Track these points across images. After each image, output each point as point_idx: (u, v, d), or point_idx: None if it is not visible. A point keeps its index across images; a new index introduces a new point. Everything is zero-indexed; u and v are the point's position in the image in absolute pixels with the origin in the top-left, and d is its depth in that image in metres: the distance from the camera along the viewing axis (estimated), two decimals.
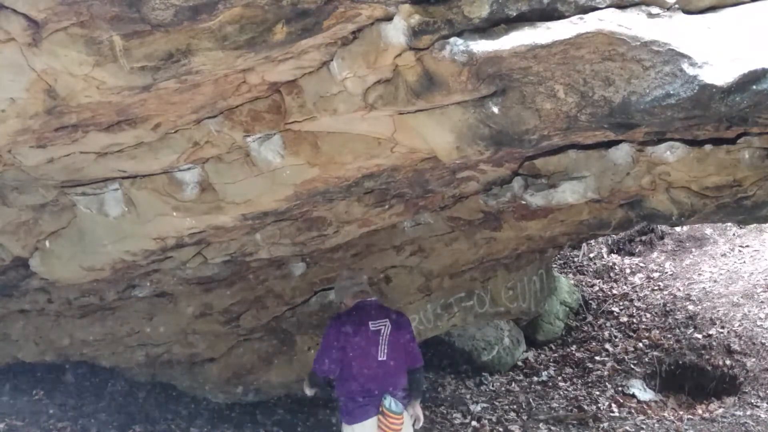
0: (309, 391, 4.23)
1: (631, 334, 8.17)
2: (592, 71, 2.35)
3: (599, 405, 6.88)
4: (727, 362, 7.11)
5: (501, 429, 6.29)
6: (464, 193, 4.22)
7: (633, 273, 9.39)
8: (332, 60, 2.61)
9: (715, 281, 8.57)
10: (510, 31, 2.29)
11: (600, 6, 2.26)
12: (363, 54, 2.47)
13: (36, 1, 2.01)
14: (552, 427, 6.30)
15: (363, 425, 3.90)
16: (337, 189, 3.52)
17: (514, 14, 2.26)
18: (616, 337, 8.22)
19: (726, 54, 2.22)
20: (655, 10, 2.29)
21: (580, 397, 7.05)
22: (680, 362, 7.39)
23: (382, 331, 4.03)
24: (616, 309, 8.70)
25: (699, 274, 8.86)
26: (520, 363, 8.06)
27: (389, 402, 3.88)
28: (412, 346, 4.17)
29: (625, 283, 9.21)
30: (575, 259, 10.01)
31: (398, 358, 4.05)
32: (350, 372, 3.94)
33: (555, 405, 6.90)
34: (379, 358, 3.96)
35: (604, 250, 10.07)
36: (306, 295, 5.53)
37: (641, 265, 9.56)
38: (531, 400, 7.06)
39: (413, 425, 4.12)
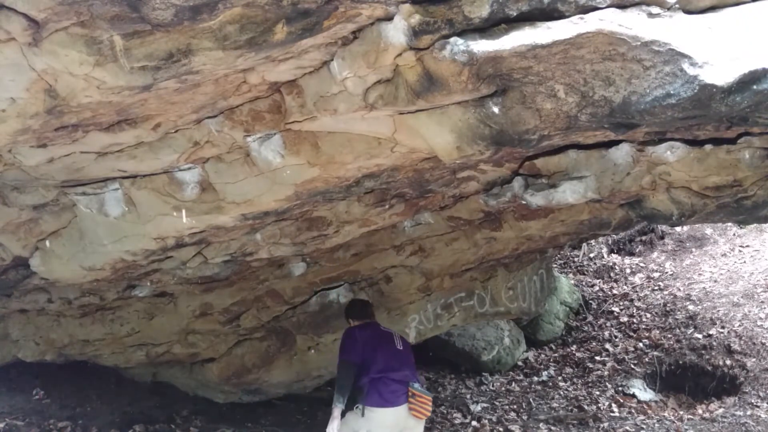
0: (340, 400, 4.16)
1: (631, 334, 8.18)
2: (593, 71, 2.35)
3: (599, 405, 6.88)
4: (727, 362, 7.11)
5: (501, 429, 6.29)
6: (464, 193, 4.22)
7: (633, 273, 9.40)
8: (332, 60, 2.61)
9: (715, 281, 8.57)
10: (510, 31, 2.29)
11: (600, 6, 2.26)
12: (363, 54, 2.47)
13: (36, 1, 2.00)
14: (552, 427, 6.30)
15: (396, 410, 4.14)
16: (337, 189, 3.52)
17: (515, 14, 2.26)
18: (616, 337, 8.22)
19: (726, 54, 2.22)
20: (655, 9, 2.29)
21: (580, 397, 7.05)
22: (680, 362, 7.39)
23: (393, 333, 4.53)
24: (616, 309, 8.70)
25: (699, 274, 8.86)
26: (520, 363, 8.07)
27: (418, 386, 4.22)
28: None
29: (625, 283, 9.21)
30: (575, 259, 10.01)
31: (411, 353, 4.50)
32: (375, 357, 4.22)
33: (555, 405, 6.91)
34: (398, 347, 4.39)
35: (605, 250, 10.07)
36: (306, 294, 5.53)
37: (641, 265, 9.56)
38: (531, 399, 7.06)
39: None
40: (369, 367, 4.18)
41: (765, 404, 6.42)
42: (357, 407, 4.12)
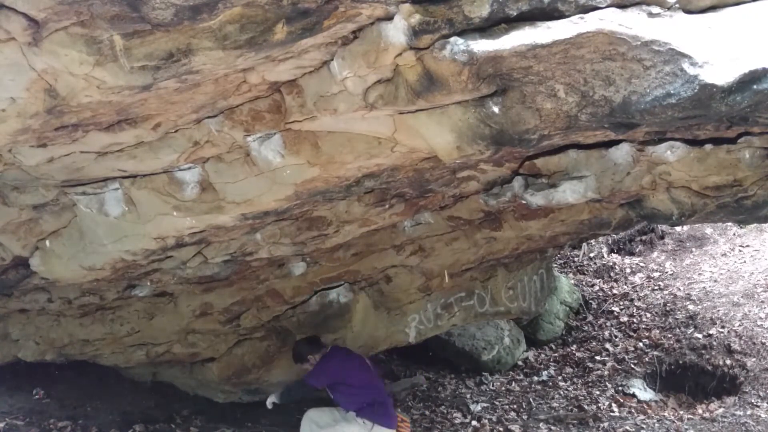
0: (276, 398, 4.85)
1: (631, 333, 8.17)
2: (593, 71, 2.35)
3: (599, 405, 6.88)
4: (728, 362, 7.11)
5: (501, 428, 6.29)
6: (464, 192, 4.22)
7: (633, 273, 9.39)
8: (332, 59, 2.61)
9: (715, 281, 8.57)
10: (510, 31, 2.29)
11: (600, 5, 2.26)
12: (363, 53, 2.47)
13: (36, 0, 2.00)
14: (552, 427, 6.30)
15: None
16: (337, 189, 3.52)
17: (515, 14, 2.27)
18: (616, 336, 8.22)
19: (726, 54, 2.22)
20: (655, 9, 2.29)
21: (580, 397, 7.05)
22: (680, 362, 7.39)
23: (359, 355, 4.95)
24: (616, 309, 8.70)
25: (699, 274, 8.86)
26: (520, 362, 8.07)
27: (399, 410, 4.74)
28: None
29: (626, 283, 9.20)
30: (575, 259, 10.01)
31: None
32: (361, 381, 4.64)
33: (555, 405, 6.91)
34: (370, 365, 4.78)
35: (605, 249, 10.07)
36: (306, 294, 5.53)
37: (641, 264, 9.56)
38: (531, 399, 7.06)
39: None
40: (364, 386, 4.56)
41: (765, 404, 6.41)
42: (364, 422, 4.50)
